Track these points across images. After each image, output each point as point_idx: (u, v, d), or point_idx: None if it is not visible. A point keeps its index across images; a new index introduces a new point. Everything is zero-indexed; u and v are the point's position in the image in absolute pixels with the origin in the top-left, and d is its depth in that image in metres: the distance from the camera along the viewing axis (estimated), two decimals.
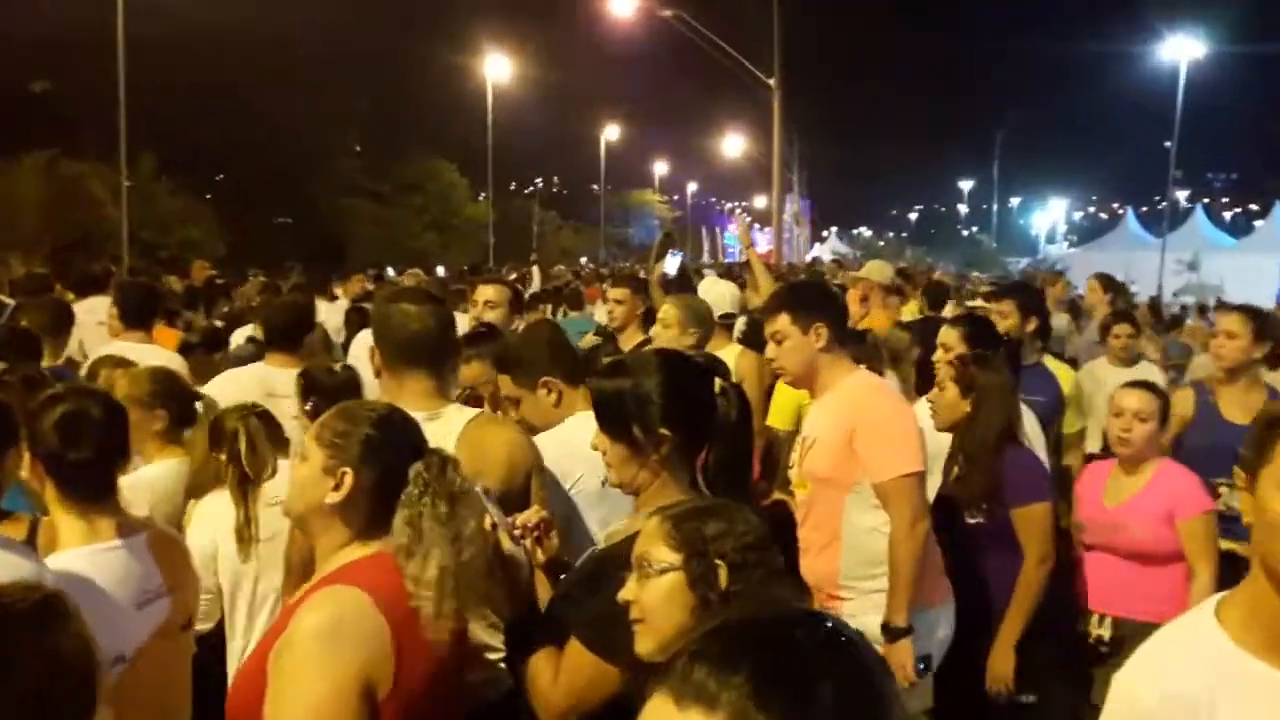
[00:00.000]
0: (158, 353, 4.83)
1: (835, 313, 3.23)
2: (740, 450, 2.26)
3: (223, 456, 2.94)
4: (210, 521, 3.03)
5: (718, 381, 2.21)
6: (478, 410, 2.73)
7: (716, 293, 5.93)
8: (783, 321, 3.16)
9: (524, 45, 40.67)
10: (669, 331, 4.68)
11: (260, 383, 4.07)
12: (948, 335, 4.25)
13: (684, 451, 2.12)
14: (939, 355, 4.14)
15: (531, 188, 66.88)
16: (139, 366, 3.76)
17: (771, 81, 21.68)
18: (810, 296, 3.26)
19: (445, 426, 2.54)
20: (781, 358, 3.17)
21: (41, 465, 2.25)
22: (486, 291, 5.13)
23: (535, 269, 14.20)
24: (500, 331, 4.75)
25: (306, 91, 35.05)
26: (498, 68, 38.10)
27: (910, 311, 8.38)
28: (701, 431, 2.16)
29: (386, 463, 1.94)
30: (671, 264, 6.78)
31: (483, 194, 45.27)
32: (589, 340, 5.99)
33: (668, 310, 4.77)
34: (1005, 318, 4.85)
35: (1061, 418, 4.96)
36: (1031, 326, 4.90)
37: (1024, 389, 4.19)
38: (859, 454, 3.06)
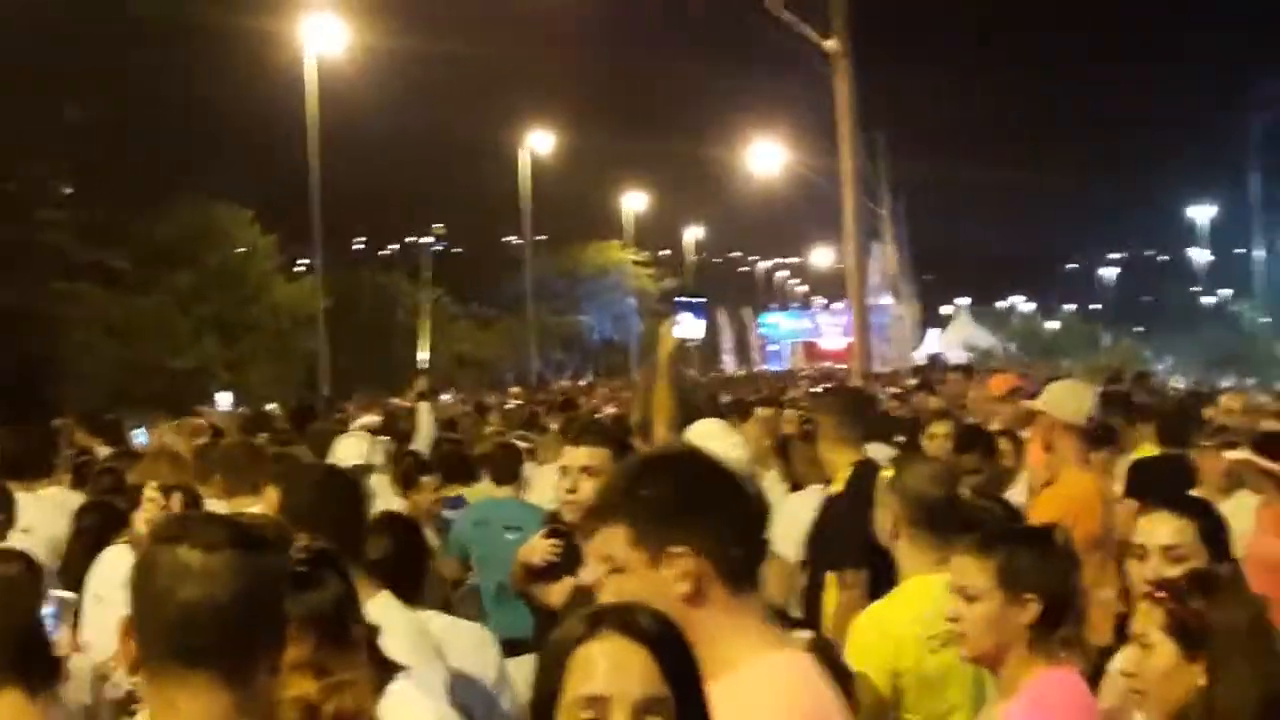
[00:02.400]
0: None
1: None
2: None
3: None
4: None
5: None
6: None
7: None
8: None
9: None
10: None
11: None
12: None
13: None
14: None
15: (396, 247, 67.01)
16: None
17: (829, 44, 21.98)
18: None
19: None
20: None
21: None
22: (273, 496, 5.65)
23: (423, 406, 13.60)
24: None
25: None
26: (324, 31, 38.59)
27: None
28: None
29: None
30: (695, 328, 7.34)
31: (303, 261, 45.92)
32: (542, 549, 6.30)
33: None
34: None
35: None
36: None
37: None
38: None
